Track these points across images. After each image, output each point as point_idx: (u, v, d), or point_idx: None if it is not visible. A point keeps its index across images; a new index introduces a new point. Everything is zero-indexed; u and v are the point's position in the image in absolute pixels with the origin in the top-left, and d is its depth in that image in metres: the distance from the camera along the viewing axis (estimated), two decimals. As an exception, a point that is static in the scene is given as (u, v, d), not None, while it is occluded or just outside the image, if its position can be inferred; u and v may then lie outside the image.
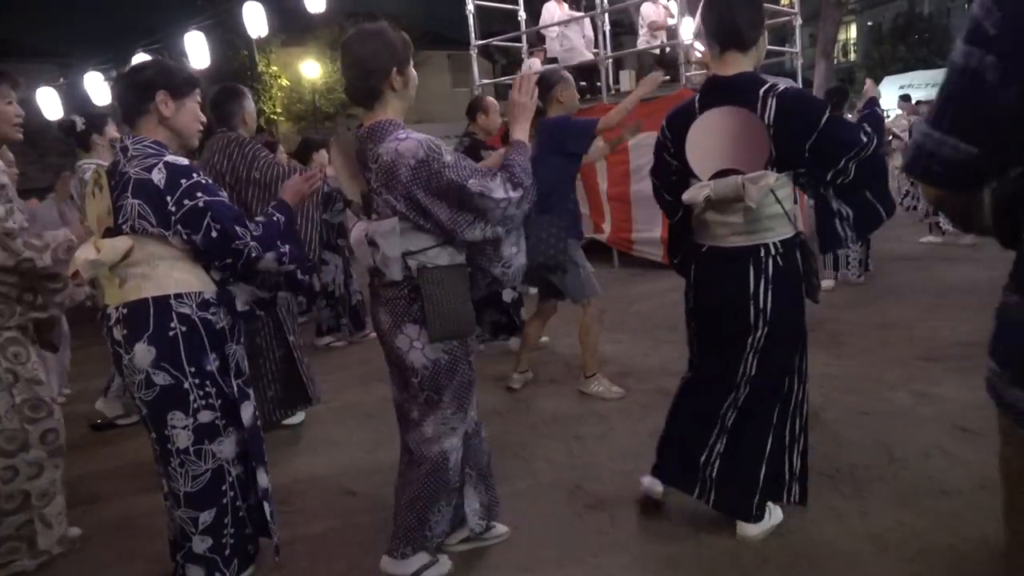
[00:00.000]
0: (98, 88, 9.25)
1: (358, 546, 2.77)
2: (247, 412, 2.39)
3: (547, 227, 3.76)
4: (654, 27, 8.88)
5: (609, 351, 4.51)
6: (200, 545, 2.36)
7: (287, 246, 2.42)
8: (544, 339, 5.06)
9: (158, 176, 2.18)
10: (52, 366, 4.92)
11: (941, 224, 7.84)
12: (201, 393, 2.27)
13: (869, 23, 33.97)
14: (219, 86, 3.91)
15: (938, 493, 2.73)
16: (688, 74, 8.13)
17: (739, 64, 2.41)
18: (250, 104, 3.85)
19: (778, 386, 2.52)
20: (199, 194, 2.21)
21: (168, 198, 2.18)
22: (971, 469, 2.89)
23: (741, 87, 2.37)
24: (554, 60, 9.21)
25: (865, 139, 2.31)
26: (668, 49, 8.67)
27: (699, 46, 7.99)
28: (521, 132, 2.29)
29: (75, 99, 9.33)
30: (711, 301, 2.55)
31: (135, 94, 2.27)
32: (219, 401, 2.32)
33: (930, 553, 2.40)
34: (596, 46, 9.27)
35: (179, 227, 2.19)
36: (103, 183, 2.23)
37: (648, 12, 8.90)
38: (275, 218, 2.45)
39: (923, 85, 17.41)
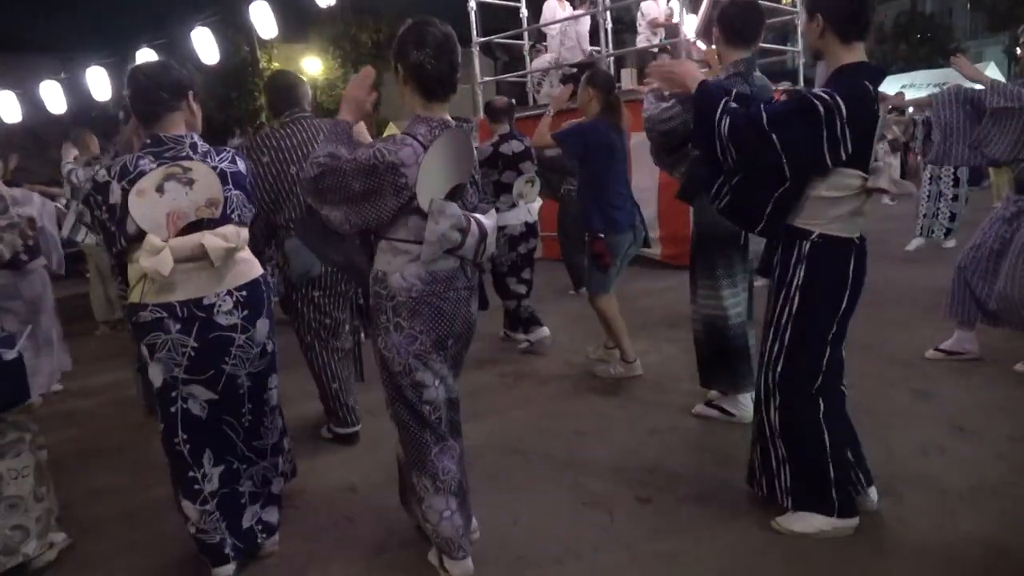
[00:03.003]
0: (100, 82, 9.25)
1: (358, 541, 2.78)
2: None
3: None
4: (654, 24, 8.87)
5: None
6: (277, 486, 2.71)
7: None
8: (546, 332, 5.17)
9: (243, 167, 2.52)
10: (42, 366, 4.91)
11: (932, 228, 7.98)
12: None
13: (871, 22, 33.84)
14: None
15: (935, 491, 2.75)
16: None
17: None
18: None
19: None
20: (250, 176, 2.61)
21: (249, 185, 2.54)
22: (969, 468, 2.91)
23: None
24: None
25: None
26: (668, 47, 8.66)
27: (701, 44, 7.99)
28: None
29: (77, 93, 9.33)
30: (859, 292, 2.51)
31: (168, 92, 2.36)
32: None
33: (927, 551, 2.42)
34: (596, 43, 9.25)
35: (255, 208, 2.56)
36: (193, 177, 2.30)
37: (649, 9, 8.90)
38: None
39: (925, 84, 17.34)
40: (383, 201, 2.17)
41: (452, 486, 2.38)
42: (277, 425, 2.69)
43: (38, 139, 15.42)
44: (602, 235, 4.14)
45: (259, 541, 2.62)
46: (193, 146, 2.37)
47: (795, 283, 2.47)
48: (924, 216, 8.02)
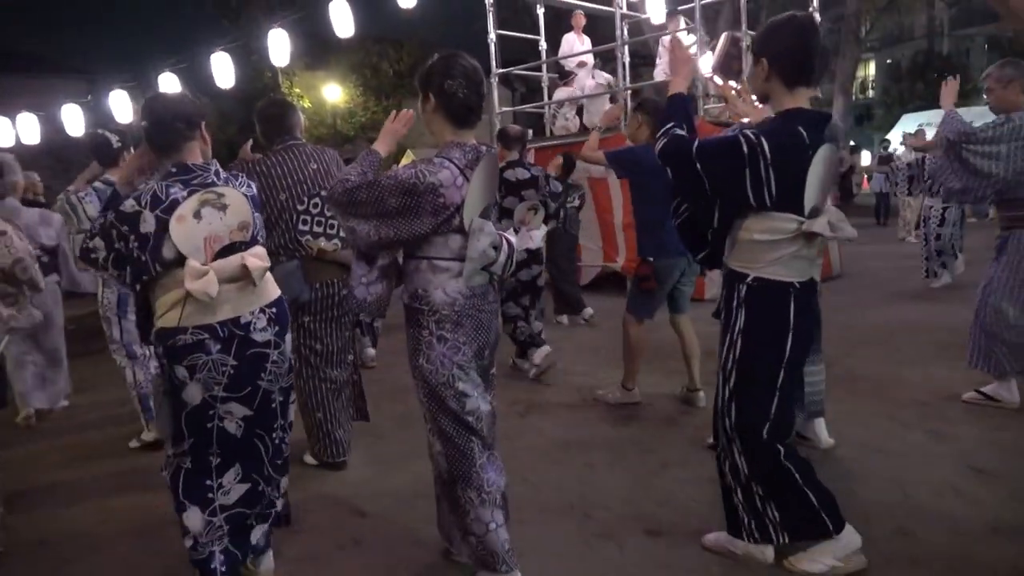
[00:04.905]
0: (123, 106, 9.40)
1: (367, 566, 2.76)
2: None
3: None
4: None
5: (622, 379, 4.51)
6: (279, 505, 2.71)
7: None
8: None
9: (255, 191, 2.62)
10: (34, 382, 4.93)
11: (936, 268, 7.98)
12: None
13: (888, 60, 34.05)
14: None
15: (951, 533, 2.71)
16: (707, 107, 8.18)
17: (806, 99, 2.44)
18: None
19: None
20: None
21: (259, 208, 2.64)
22: (985, 510, 2.86)
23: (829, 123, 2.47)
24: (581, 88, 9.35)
25: None
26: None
27: (718, 80, 8.06)
28: None
29: (100, 116, 9.47)
30: (807, 337, 2.49)
31: (186, 123, 2.44)
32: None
33: (942, 594, 2.38)
34: (616, 77, 9.34)
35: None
36: (226, 203, 2.41)
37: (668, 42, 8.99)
38: None
39: (942, 123, 17.33)
40: (420, 219, 2.28)
41: (497, 499, 2.45)
42: (288, 444, 2.70)
43: (60, 160, 15.66)
44: (651, 259, 4.18)
45: (247, 561, 2.60)
46: (216, 173, 2.46)
47: (737, 327, 2.46)
48: (926, 259, 8.04)
